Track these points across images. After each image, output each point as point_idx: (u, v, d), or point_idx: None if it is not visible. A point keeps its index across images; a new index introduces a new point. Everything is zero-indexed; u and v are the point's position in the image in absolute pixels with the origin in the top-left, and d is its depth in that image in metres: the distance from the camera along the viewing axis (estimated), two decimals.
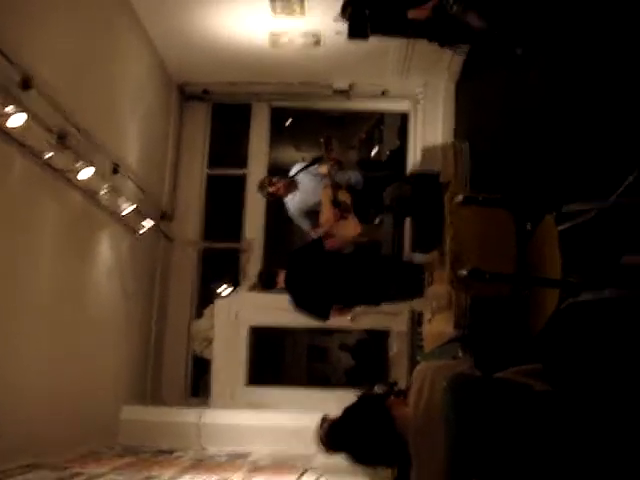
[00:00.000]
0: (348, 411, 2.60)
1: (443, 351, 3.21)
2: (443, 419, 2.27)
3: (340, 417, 2.63)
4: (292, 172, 6.85)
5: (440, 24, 5.21)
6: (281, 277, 5.94)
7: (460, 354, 2.95)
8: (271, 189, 6.75)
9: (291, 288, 5.93)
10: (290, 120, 9.47)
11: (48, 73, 4.91)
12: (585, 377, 2.95)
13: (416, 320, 6.02)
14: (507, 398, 2.28)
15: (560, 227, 3.10)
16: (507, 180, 4.51)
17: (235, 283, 8.27)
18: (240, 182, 8.50)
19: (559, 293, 2.96)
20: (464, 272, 2.85)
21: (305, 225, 6.85)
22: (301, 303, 5.89)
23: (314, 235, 6.74)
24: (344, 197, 6.50)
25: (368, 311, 6.80)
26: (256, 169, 7.83)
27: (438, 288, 3.59)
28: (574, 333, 3.16)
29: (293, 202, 6.77)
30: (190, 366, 8.10)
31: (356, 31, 5.83)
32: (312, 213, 6.69)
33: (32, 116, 4.63)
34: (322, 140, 6.34)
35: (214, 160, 8.64)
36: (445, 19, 5.05)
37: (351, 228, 6.59)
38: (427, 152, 7.82)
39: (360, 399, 2.62)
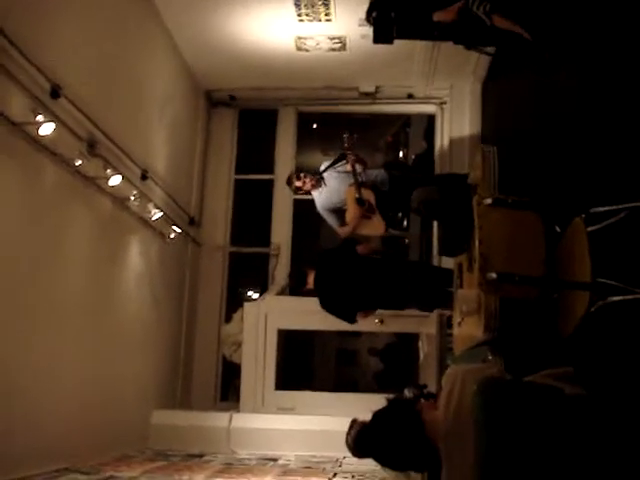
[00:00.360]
0: (378, 415, 2.59)
1: (473, 354, 3.20)
2: (473, 422, 2.26)
3: (370, 421, 2.63)
4: (320, 169, 6.97)
5: (466, 26, 5.19)
6: (311, 277, 6.00)
7: (490, 357, 2.93)
8: (298, 183, 6.90)
9: (319, 289, 5.97)
10: (316, 124, 9.50)
11: (77, 82, 4.97)
12: (617, 380, 2.93)
13: (445, 323, 6.00)
14: (538, 402, 2.28)
15: (589, 229, 3.08)
16: (535, 182, 4.49)
17: (263, 287, 8.31)
18: (268, 187, 8.54)
19: (589, 296, 2.94)
20: (493, 275, 2.85)
21: (332, 222, 6.95)
22: (327, 305, 5.94)
23: (341, 232, 6.82)
24: (368, 196, 6.56)
25: (397, 314, 6.81)
26: (283, 174, 7.83)
27: (467, 291, 3.57)
28: (605, 336, 3.14)
29: (320, 199, 6.90)
30: (220, 370, 8.14)
31: (381, 35, 5.82)
32: (338, 211, 6.82)
33: (62, 124, 4.70)
34: (344, 136, 6.41)
35: (241, 165, 8.69)
36: (471, 21, 5.03)
37: (376, 227, 6.66)
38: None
39: (390, 403, 2.61)
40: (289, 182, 7.10)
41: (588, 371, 2.71)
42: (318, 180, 6.85)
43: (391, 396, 2.67)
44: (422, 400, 2.68)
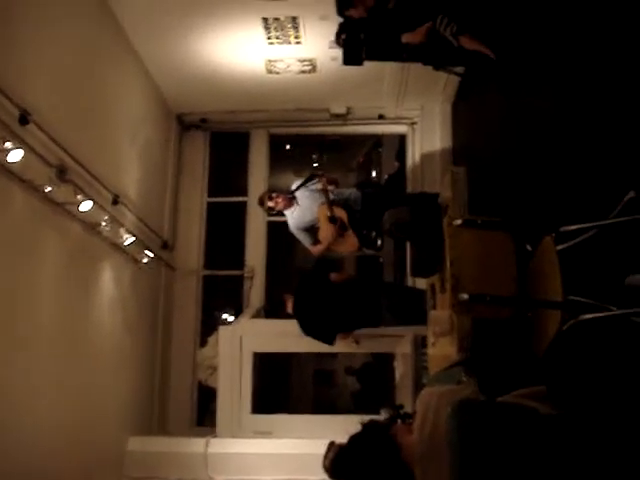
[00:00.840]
0: (353, 439, 2.58)
1: (447, 375, 3.19)
2: (448, 445, 2.26)
3: (345, 445, 2.62)
4: (292, 188, 7.00)
5: (434, 47, 5.24)
6: (289, 303, 6.07)
7: (464, 378, 2.93)
8: (270, 203, 6.94)
9: (298, 315, 6.05)
10: (288, 146, 9.52)
11: (46, 107, 4.93)
12: (590, 398, 2.94)
13: (420, 343, 6.02)
14: (512, 422, 2.28)
15: (559, 247, 3.11)
16: (505, 201, 4.53)
17: (238, 310, 8.27)
18: (241, 209, 8.53)
19: (561, 314, 2.96)
20: (465, 296, 2.86)
21: (305, 241, 6.98)
22: (307, 329, 6.01)
23: (313, 251, 6.86)
24: (340, 213, 6.60)
25: (372, 334, 6.81)
26: (256, 196, 7.80)
27: (440, 312, 3.58)
28: (577, 354, 3.16)
29: (292, 218, 6.94)
30: (196, 395, 8.07)
31: (351, 57, 5.86)
32: (311, 229, 6.86)
33: (31, 151, 4.66)
34: (313, 156, 6.49)
35: (214, 188, 8.67)
36: (439, 42, 5.08)
37: (349, 245, 6.69)
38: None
39: (365, 427, 2.60)
40: (261, 202, 7.14)
41: (561, 390, 2.72)
42: (290, 199, 6.88)
43: (366, 419, 2.65)
44: (398, 422, 2.67)
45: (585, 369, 3.11)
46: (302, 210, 6.87)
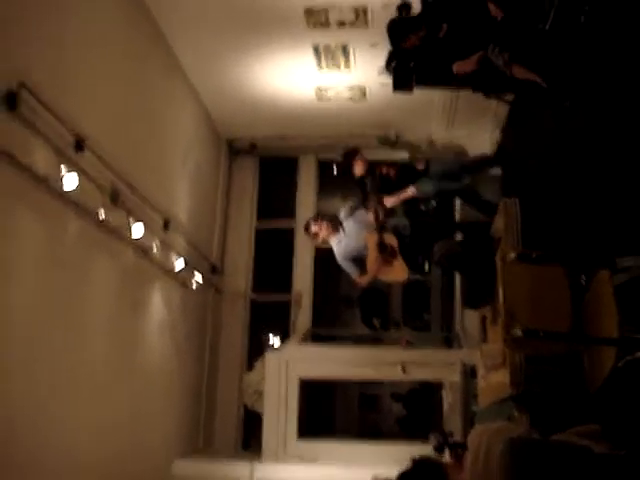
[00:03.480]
0: (404, 477, 2.55)
1: (498, 410, 3.15)
2: None
3: None
4: (339, 215, 6.79)
5: (485, 75, 5.22)
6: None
7: (516, 414, 2.89)
8: (314, 228, 6.67)
9: None
10: (337, 169, 9.51)
11: (99, 133, 5.03)
12: None
13: (469, 372, 5.95)
14: (566, 461, 2.23)
15: (615, 281, 3.05)
16: (559, 234, 4.46)
17: (285, 334, 8.27)
18: (289, 234, 8.56)
19: (616, 350, 2.90)
20: (519, 332, 2.81)
21: (352, 271, 6.68)
22: None
23: (359, 282, 6.69)
24: (390, 240, 6.39)
25: (420, 361, 6.75)
26: (304, 221, 7.83)
27: (492, 346, 3.53)
28: (633, 391, 3.08)
29: (339, 247, 6.67)
30: (242, 419, 8.08)
31: (401, 84, 5.87)
32: (358, 259, 6.59)
33: (85, 176, 4.75)
34: (367, 180, 6.27)
35: (263, 213, 8.73)
36: (490, 70, 5.06)
37: (398, 273, 6.50)
38: None
39: (416, 464, 2.56)
40: (307, 228, 6.88)
41: (617, 428, 2.66)
42: (336, 227, 6.65)
43: (416, 455, 2.62)
44: (447, 452, 2.64)
45: None
46: (349, 238, 6.62)
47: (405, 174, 6.83)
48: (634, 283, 3.06)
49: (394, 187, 6.69)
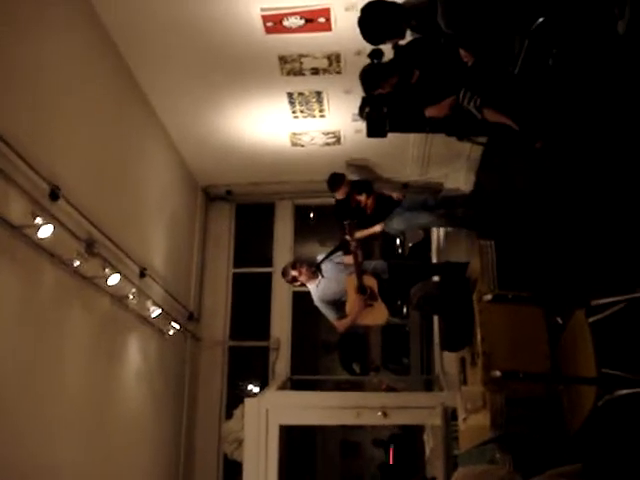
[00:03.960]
0: None
1: (480, 452, 3.13)
2: None
3: None
4: (317, 260, 6.79)
5: (458, 119, 5.29)
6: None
7: (498, 456, 2.87)
8: (294, 272, 6.69)
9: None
10: (313, 216, 9.56)
11: (75, 182, 5.01)
12: (628, 477, 2.86)
13: (449, 415, 5.92)
14: None
15: (591, 320, 3.06)
16: (534, 275, 4.49)
17: (264, 381, 8.20)
18: (266, 280, 8.54)
19: (596, 389, 2.90)
20: (497, 373, 2.81)
21: (330, 315, 6.68)
22: None
23: (338, 326, 6.66)
24: (370, 282, 6.40)
25: (401, 405, 6.71)
26: (281, 266, 7.82)
27: (471, 388, 3.52)
28: (614, 431, 3.08)
29: (317, 291, 6.67)
30: (222, 469, 7.95)
31: (375, 130, 5.95)
32: (337, 303, 6.58)
33: (61, 225, 4.72)
34: (345, 223, 6.23)
35: (240, 259, 8.72)
36: (462, 115, 5.13)
37: (378, 315, 6.47)
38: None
39: None
40: (285, 273, 6.88)
41: (598, 468, 2.65)
42: (315, 271, 6.66)
43: None
44: None
45: (622, 446, 3.03)
46: (327, 281, 6.63)
47: (382, 204, 6.94)
48: (609, 321, 3.08)
49: (368, 219, 6.82)
